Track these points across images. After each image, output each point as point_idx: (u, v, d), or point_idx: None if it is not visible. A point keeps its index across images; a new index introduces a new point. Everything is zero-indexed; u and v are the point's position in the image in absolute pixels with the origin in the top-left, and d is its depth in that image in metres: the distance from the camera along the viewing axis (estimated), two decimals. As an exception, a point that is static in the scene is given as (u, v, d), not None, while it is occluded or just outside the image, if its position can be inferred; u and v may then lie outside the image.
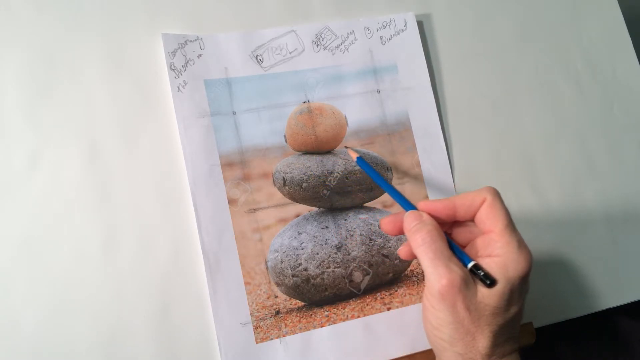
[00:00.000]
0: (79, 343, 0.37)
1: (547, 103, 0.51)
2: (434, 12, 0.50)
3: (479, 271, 0.32)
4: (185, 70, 0.42)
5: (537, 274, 0.46)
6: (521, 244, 0.33)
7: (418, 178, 0.45)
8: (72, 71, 0.41)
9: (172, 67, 0.42)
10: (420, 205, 0.36)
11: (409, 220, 0.35)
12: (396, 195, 0.38)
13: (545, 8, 0.53)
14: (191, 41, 0.43)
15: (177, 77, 0.42)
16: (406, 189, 0.45)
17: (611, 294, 0.47)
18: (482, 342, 0.32)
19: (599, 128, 0.51)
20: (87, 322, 0.37)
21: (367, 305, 0.42)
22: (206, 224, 0.40)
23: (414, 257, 0.36)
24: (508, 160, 0.48)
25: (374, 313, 0.42)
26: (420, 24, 0.49)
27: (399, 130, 0.46)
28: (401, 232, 0.36)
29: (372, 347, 0.41)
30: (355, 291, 0.42)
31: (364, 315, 0.42)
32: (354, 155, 0.42)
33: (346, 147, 0.44)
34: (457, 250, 0.34)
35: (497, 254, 0.33)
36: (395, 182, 0.45)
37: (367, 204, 0.44)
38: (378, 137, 0.45)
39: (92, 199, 0.39)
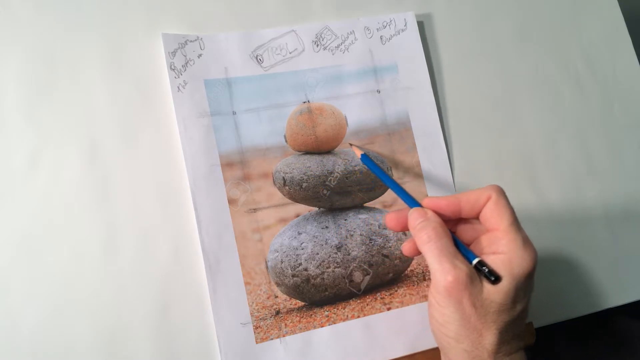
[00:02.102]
0: (79, 343, 0.37)
1: (547, 103, 0.51)
2: (434, 12, 0.50)
3: (484, 267, 0.32)
4: (185, 70, 0.42)
5: (537, 274, 0.46)
6: (526, 241, 0.33)
7: (418, 178, 0.45)
8: (72, 71, 0.41)
9: (172, 67, 0.42)
10: (425, 202, 0.36)
11: (414, 216, 0.35)
12: (401, 192, 0.38)
13: (545, 8, 0.53)
14: (191, 41, 0.43)
15: (177, 77, 0.42)
16: (406, 188, 0.45)
17: (612, 293, 0.47)
18: (489, 338, 0.32)
19: (599, 128, 0.51)
20: (87, 322, 0.37)
21: (367, 305, 0.42)
22: (206, 224, 0.40)
23: (418, 253, 0.36)
24: (508, 160, 0.48)
25: (374, 313, 0.42)
26: (420, 24, 0.49)
27: (399, 130, 0.46)
28: (405, 228, 0.36)
29: (372, 347, 0.41)
30: (355, 291, 0.42)
31: (364, 315, 0.41)
32: (358, 153, 0.42)
33: (350, 144, 0.44)
34: (462, 248, 0.34)
35: (502, 251, 0.33)
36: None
37: (367, 204, 0.44)
38: (378, 137, 0.45)
39: (92, 199, 0.39)
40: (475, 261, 0.33)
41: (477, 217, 0.35)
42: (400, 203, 0.44)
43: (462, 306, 0.32)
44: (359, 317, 0.41)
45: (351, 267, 0.42)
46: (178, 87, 0.42)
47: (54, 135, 0.40)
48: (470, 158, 0.47)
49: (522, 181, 0.48)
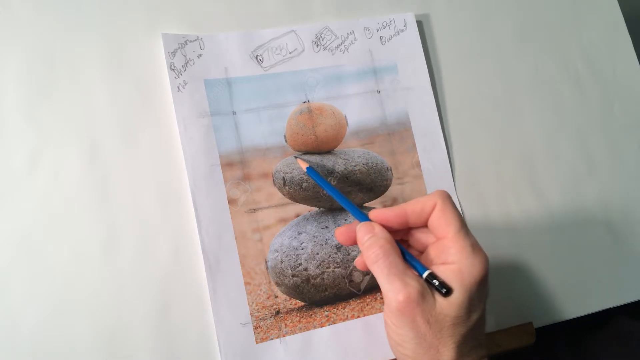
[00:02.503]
0: (79, 343, 0.37)
1: (547, 103, 0.51)
2: (433, 12, 0.50)
3: (434, 280, 0.32)
4: (185, 70, 0.42)
5: (538, 274, 0.46)
6: (475, 247, 0.32)
7: (418, 178, 0.45)
8: (72, 71, 0.41)
9: (172, 67, 0.42)
10: (372, 214, 0.35)
11: (361, 234, 0.34)
12: (348, 205, 0.37)
13: (545, 8, 0.53)
14: (191, 41, 0.43)
15: (177, 77, 0.42)
16: (406, 188, 0.45)
17: (611, 294, 0.47)
18: (447, 354, 0.31)
19: (599, 128, 0.51)
20: (87, 322, 0.37)
21: (367, 305, 0.42)
22: (206, 224, 0.40)
23: None
24: (508, 160, 0.48)
25: (374, 313, 0.42)
26: (419, 24, 0.49)
27: (399, 130, 0.46)
28: (355, 242, 0.35)
29: (372, 347, 0.41)
30: (355, 291, 0.42)
31: (364, 315, 0.42)
32: (303, 166, 0.41)
33: (295, 157, 0.43)
34: (411, 260, 0.33)
35: (451, 261, 0.32)
36: (395, 182, 0.45)
37: (367, 204, 0.44)
38: (378, 137, 0.45)
39: (92, 199, 0.39)
40: (425, 274, 0.32)
41: (426, 226, 0.35)
42: (400, 202, 0.44)
43: (416, 324, 0.31)
44: (359, 317, 0.41)
45: (351, 267, 0.42)
46: (178, 87, 0.42)
47: (54, 135, 0.40)
48: (470, 158, 0.47)
49: (522, 181, 0.48)
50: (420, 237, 0.35)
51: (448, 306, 0.31)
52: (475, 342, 0.33)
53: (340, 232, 0.36)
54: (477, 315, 0.32)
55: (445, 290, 0.31)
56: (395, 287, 0.31)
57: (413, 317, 0.31)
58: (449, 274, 0.32)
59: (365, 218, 0.35)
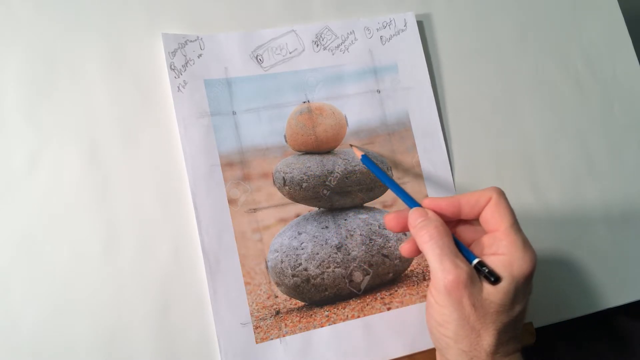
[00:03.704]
0: (79, 343, 0.37)
1: (547, 103, 0.51)
2: (433, 12, 0.50)
3: (484, 268, 0.32)
4: (185, 70, 0.42)
5: (537, 274, 0.46)
6: (526, 243, 0.33)
7: (418, 178, 0.45)
8: (72, 71, 0.41)
9: (172, 67, 0.42)
10: (425, 202, 0.36)
11: (415, 216, 0.35)
12: (401, 193, 0.38)
13: (545, 8, 0.53)
14: (191, 41, 0.43)
15: (177, 77, 0.42)
16: (406, 188, 0.45)
17: (611, 293, 0.47)
18: (487, 339, 0.32)
19: (599, 128, 0.51)
20: (87, 322, 0.37)
21: (367, 305, 0.42)
22: (206, 224, 0.40)
23: (416, 254, 0.36)
24: (508, 160, 0.48)
25: (374, 313, 0.42)
26: (420, 24, 0.49)
27: (399, 130, 0.46)
28: (405, 228, 0.36)
29: (372, 347, 0.41)
30: (355, 291, 0.42)
31: (364, 315, 0.42)
32: (359, 154, 0.42)
33: (351, 145, 0.44)
34: (462, 248, 0.34)
35: (502, 252, 0.33)
36: (396, 182, 0.45)
37: (367, 204, 0.44)
38: (378, 137, 0.45)
39: (92, 199, 0.39)
40: (475, 261, 0.33)
41: (476, 219, 0.35)
42: (401, 203, 0.44)
43: (461, 306, 0.32)
44: (359, 317, 0.41)
45: (351, 267, 0.42)
46: (178, 87, 0.42)
47: (54, 135, 0.40)
48: (470, 158, 0.47)
49: (522, 181, 0.48)
50: (467, 231, 0.36)
51: (495, 293, 0.32)
52: (513, 333, 0.33)
53: (390, 218, 0.37)
54: (519, 308, 0.33)
55: (494, 278, 0.32)
56: (446, 267, 0.32)
57: (460, 298, 0.32)
58: (498, 264, 0.32)
59: (419, 205, 0.36)
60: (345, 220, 0.43)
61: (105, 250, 0.39)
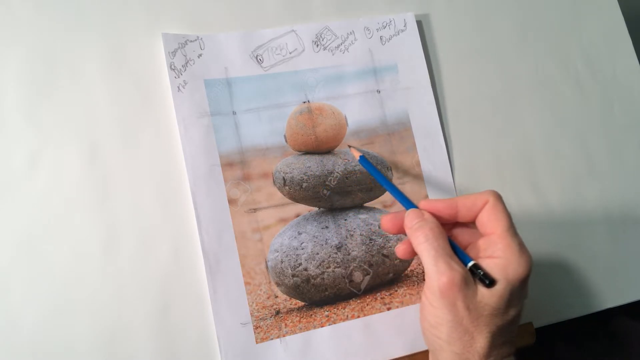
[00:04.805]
0: (79, 343, 0.37)
1: (547, 103, 0.51)
2: (433, 12, 0.50)
3: (479, 271, 0.32)
4: (185, 70, 0.42)
5: (537, 274, 0.46)
6: (522, 247, 0.33)
7: (418, 178, 0.45)
8: (72, 71, 0.41)
9: (172, 67, 0.42)
10: (422, 204, 0.36)
11: (410, 218, 0.35)
12: (398, 194, 0.38)
13: (545, 8, 0.53)
14: (191, 41, 0.43)
15: (177, 77, 0.42)
16: (406, 188, 0.45)
17: (611, 294, 0.47)
18: (480, 342, 0.32)
19: (599, 128, 0.51)
20: (87, 322, 0.37)
21: (367, 305, 0.42)
22: (206, 224, 0.40)
23: (412, 255, 0.36)
24: (508, 160, 0.48)
25: (374, 313, 0.42)
26: (419, 24, 0.49)
27: (399, 130, 0.46)
28: (401, 230, 0.36)
29: (372, 347, 0.41)
30: (355, 291, 0.42)
31: (364, 315, 0.42)
32: (356, 154, 0.42)
33: (349, 146, 0.44)
34: (457, 250, 0.34)
35: (497, 256, 0.33)
36: (396, 182, 0.45)
37: (367, 204, 0.44)
38: (378, 137, 0.45)
39: (92, 199, 0.39)
40: (470, 264, 0.33)
41: (473, 221, 0.35)
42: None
43: (455, 308, 0.32)
44: (359, 317, 0.41)
45: (351, 267, 0.42)
46: (178, 87, 0.42)
47: (54, 135, 0.40)
48: (470, 158, 0.47)
49: (522, 181, 0.48)
50: (464, 234, 0.36)
51: (489, 296, 0.32)
52: (507, 337, 0.33)
53: (386, 220, 0.37)
54: (514, 312, 0.33)
55: (489, 281, 0.32)
56: (440, 268, 0.32)
57: (454, 300, 0.31)
58: (493, 267, 0.32)
59: (415, 207, 0.36)
60: (345, 220, 0.43)
61: (105, 250, 0.39)
